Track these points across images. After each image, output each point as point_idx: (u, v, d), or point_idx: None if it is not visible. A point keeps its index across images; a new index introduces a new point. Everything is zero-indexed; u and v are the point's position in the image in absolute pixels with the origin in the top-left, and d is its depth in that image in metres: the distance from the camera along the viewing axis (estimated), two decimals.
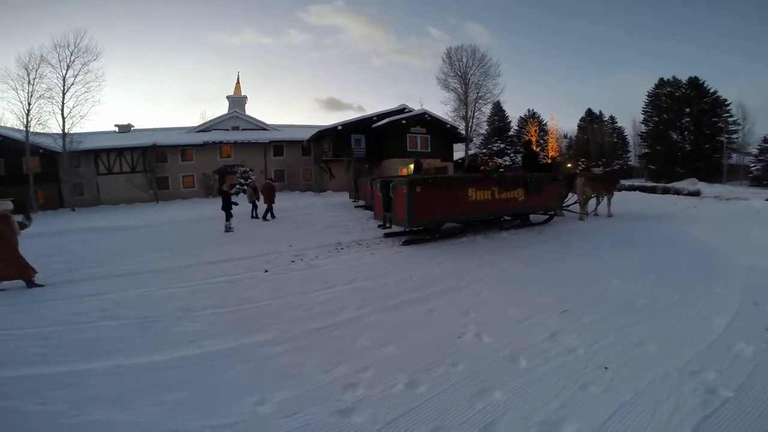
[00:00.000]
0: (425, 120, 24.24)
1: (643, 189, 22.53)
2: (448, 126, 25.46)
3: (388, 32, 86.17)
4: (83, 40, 24.26)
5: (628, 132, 42.15)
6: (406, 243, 7.43)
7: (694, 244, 6.50)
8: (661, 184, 22.80)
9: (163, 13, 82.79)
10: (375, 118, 25.27)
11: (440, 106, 69.80)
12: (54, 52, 23.33)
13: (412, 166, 23.98)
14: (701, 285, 4.18)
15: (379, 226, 8.45)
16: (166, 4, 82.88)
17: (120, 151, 28.48)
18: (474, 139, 28.97)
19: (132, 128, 33.84)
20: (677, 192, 19.69)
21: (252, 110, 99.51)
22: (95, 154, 28.22)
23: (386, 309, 4.01)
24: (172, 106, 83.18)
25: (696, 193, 18.51)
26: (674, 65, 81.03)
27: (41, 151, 25.31)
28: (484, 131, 42.91)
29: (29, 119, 23.94)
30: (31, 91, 23.71)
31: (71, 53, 23.52)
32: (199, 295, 4.98)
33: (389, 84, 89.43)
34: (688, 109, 30.22)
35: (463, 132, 27.17)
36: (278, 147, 31.52)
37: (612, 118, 42.68)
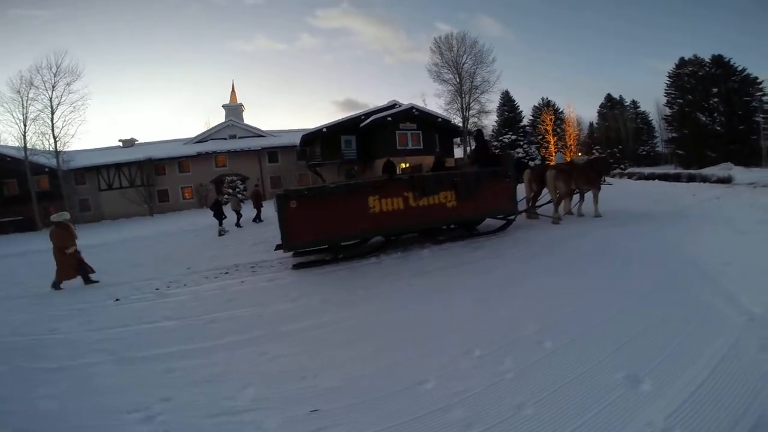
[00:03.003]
0: (413, 115, 22.51)
1: (664, 177, 19.71)
2: (440, 119, 23.53)
3: (397, 31, 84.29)
4: (64, 60, 24.47)
5: (653, 117, 38.36)
6: (296, 267, 6.11)
7: (680, 267, 4.42)
8: (686, 171, 19.89)
9: (181, 21, 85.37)
10: (363, 117, 23.83)
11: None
12: (38, 74, 23.62)
13: (403, 164, 22.44)
14: (618, 375, 2.35)
15: (277, 247, 6.93)
16: (183, 13, 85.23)
17: (119, 167, 28.76)
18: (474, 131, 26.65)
19: (135, 142, 34.38)
20: (704, 179, 16.94)
21: (268, 117, 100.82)
22: (97, 170, 28.67)
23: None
24: (191, 117, 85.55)
25: (726, 180, 15.79)
26: (696, 48, 73.85)
27: (47, 170, 25.85)
28: (494, 122, 40.51)
29: (26, 140, 24.39)
30: (26, 114, 24.18)
31: (54, 74, 23.71)
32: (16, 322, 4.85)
33: (402, 82, 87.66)
34: (715, 89, 26.30)
35: (461, 125, 25.08)
36: (273, 153, 30.87)
37: (634, 102, 39.01)
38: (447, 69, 24.83)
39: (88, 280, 6.68)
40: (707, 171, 18.74)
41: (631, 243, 5.83)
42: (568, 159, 26.81)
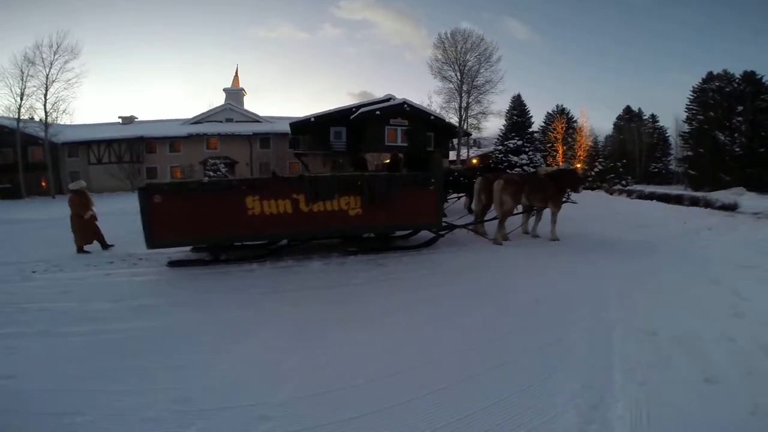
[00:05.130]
0: (405, 111, 21.34)
1: (665, 198, 18.10)
2: (432, 117, 22.29)
3: (419, 28, 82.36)
4: (65, 40, 24.42)
5: (672, 133, 36.11)
6: (170, 264, 5.54)
7: (577, 330, 3.22)
8: (689, 193, 18.23)
9: (211, 7, 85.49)
10: (353, 110, 22.80)
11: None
12: (38, 52, 23.62)
13: (387, 160, 21.33)
14: None
15: None
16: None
17: (109, 143, 28.57)
18: (473, 133, 25.27)
19: (135, 120, 34.14)
20: (708, 204, 15.36)
21: (285, 104, 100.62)
22: (88, 145, 28.58)
23: None
24: (205, 100, 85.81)
25: (731, 207, 14.22)
26: (730, 64, 69.06)
27: (40, 141, 25.80)
28: (501, 126, 38.91)
29: (20, 113, 24.49)
30: (23, 88, 24.24)
31: (53, 53, 23.72)
32: None
33: (420, 79, 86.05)
34: (740, 107, 23.96)
35: (457, 125, 23.76)
36: (265, 139, 30.16)
37: (653, 116, 36.66)
38: (449, 66, 23.48)
39: (105, 245, 6.96)
40: (714, 195, 17.09)
41: (550, 283, 4.56)
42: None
